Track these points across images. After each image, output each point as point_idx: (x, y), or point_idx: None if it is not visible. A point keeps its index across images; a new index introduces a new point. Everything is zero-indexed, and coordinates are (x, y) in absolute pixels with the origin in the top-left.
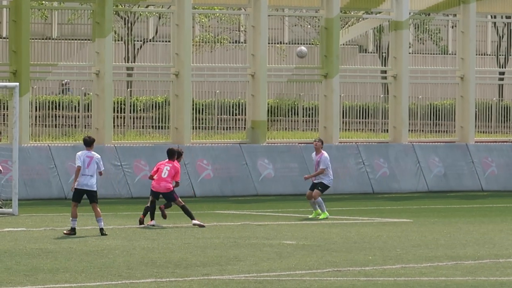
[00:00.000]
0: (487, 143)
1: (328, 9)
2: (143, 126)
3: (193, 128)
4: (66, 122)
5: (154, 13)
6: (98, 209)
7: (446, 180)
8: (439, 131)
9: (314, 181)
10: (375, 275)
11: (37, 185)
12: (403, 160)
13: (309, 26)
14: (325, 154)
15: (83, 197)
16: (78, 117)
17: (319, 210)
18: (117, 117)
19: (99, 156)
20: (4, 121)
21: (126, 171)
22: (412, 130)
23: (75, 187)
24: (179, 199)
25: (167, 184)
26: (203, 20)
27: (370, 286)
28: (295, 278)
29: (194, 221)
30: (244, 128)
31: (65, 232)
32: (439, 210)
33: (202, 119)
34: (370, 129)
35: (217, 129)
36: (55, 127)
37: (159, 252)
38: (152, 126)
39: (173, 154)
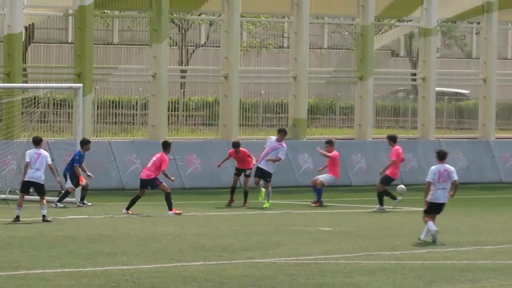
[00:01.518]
0: (507, 139)
1: (363, 17)
2: (194, 124)
3: (240, 125)
4: (125, 120)
5: (205, 20)
6: (44, 201)
7: (469, 173)
8: (463, 128)
9: (261, 166)
10: (404, 259)
11: (98, 177)
12: (430, 155)
13: (346, 33)
14: (285, 145)
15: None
16: (136, 115)
17: (263, 192)
18: (171, 115)
19: (47, 153)
20: (69, 119)
21: (179, 164)
22: (438, 128)
23: (23, 179)
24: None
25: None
26: (250, 27)
27: (400, 269)
28: (330, 261)
29: (170, 212)
30: (287, 125)
31: (12, 220)
32: (462, 200)
33: (249, 117)
34: (401, 127)
35: (262, 126)
36: (115, 124)
37: (208, 238)
38: (203, 124)
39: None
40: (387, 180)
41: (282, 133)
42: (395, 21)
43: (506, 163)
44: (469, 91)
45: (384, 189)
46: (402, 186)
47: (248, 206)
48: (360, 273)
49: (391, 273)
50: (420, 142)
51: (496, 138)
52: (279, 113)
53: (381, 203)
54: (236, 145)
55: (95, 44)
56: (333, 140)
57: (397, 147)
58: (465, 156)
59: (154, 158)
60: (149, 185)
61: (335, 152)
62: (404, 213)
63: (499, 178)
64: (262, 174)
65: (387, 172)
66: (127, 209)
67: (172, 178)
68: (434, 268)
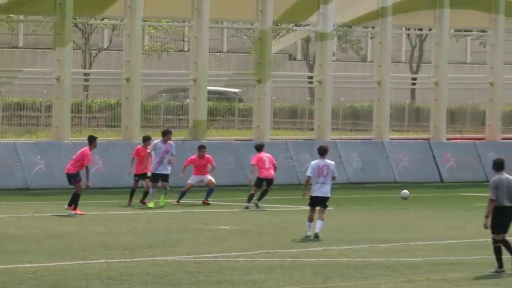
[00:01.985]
0: (400, 140)
1: (262, 22)
2: (97, 125)
3: (142, 127)
4: (29, 122)
5: (108, 25)
6: None
7: (364, 173)
8: (358, 129)
9: (156, 172)
10: (300, 256)
11: (3, 177)
12: (326, 155)
13: (245, 37)
14: (172, 142)
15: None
16: (40, 117)
17: (163, 197)
18: (75, 117)
19: None
20: None
21: None
22: (334, 129)
23: None
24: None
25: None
26: (151, 32)
27: (296, 266)
28: (229, 259)
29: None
30: (187, 126)
31: None
32: (358, 199)
33: (150, 119)
34: (298, 128)
35: (163, 128)
36: (20, 125)
37: (110, 236)
38: (106, 125)
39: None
40: (258, 182)
41: (169, 134)
42: (293, 26)
43: (400, 163)
44: (240, 90)
45: (256, 192)
46: (406, 191)
47: (147, 205)
48: (258, 270)
49: (287, 270)
50: (317, 143)
51: (390, 139)
52: (179, 115)
53: (249, 200)
54: (146, 139)
55: (1, 47)
56: (205, 145)
57: (257, 154)
58: (360, 156)
59: (78, 152)
60: (68, 179)
61: (208, 156)
62: (301, 211)
63: (393, 178)
64: (162, 178)
65: (257, 175)
66: (69, 205)
67: (88, 183)
68: (329, 265)
